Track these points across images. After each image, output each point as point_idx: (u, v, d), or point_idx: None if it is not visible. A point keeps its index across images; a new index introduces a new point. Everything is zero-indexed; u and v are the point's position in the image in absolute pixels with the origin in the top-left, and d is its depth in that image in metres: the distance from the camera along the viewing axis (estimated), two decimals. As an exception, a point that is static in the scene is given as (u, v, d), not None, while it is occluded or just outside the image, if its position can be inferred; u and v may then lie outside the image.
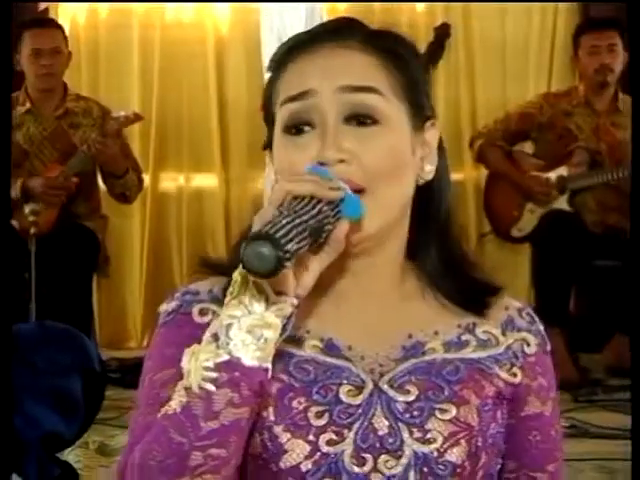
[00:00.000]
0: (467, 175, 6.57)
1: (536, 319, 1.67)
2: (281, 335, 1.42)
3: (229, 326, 1.40)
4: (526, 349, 1.63)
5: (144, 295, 6.82)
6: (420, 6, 6.77)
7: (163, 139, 6.92)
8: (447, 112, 6.62)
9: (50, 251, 5.38)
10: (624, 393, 5.50)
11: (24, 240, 5.31)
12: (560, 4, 6.85)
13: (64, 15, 6.77)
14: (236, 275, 1.42)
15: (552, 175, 5.89)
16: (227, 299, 1.43)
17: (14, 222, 5.54)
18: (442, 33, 5.38)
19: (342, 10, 6.45)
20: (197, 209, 6.94)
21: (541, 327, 1.67)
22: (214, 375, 1.40)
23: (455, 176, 6.47)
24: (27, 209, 5.36)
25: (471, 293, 1.64)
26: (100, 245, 5.86)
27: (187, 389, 1.41)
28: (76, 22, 6.76)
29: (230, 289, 1.43)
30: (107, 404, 4.68)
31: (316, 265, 1.43)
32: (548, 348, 1.66)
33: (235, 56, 6.88)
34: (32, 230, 5.28)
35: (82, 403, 2.21)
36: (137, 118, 5.93)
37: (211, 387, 1.40)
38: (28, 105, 5.84)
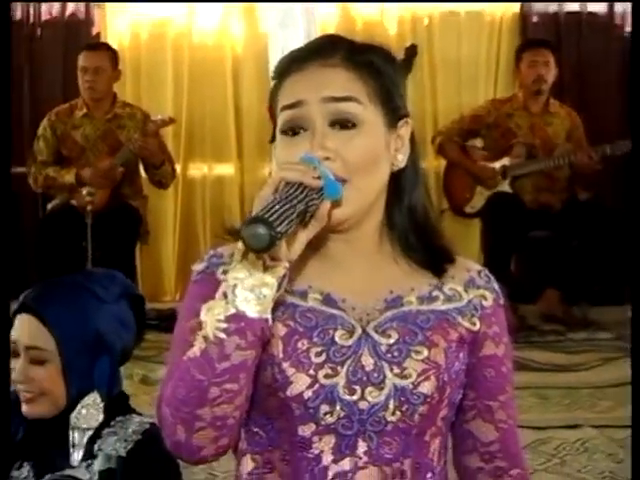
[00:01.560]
0: (429, 165, 6.53)
1: (492, 279, 1.66)
2: (277, 291, 1.43)
3: (235, 286, 1.41)
4: (484, 303, 1.63)
5: (177, 259, 6.81)
6: (393, 31, 6.77)
7: (191, 137, 6.89)
8: (414, 114, 6.28)
9: (103, 224, 5.38)
10: (554, 336, 5.52)
11: (82, 215, 5.32)
12: (503, 28, 6.84)
13: (112, 39, 6.71)
14: (240, 245, 1.42)
15: (497, 164, 5.89)
16: (232, 264, 1.44)
17: (73, 201, 5.56)
18: (411, 53, 5.35)
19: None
20: (218, 192, 6.92)
21: (496, 285, 1.65)
22: (225, 325, 1.41)
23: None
24: (84, 191, 5.38)
25: (434, 259, 1.62)
26: (142, 219, 5.87)
27: (204, 337, 1.42)
28: (122, 45, 6.70)
29: (235, 256, 1.44)
30: (148, 345, 4.69)
31: (304, 236, 1.44)
32: (501, 302, 1.65)
33: (248, 72, 6.85)
34: (89, 207, 5.32)
35: (134, 321, 2.24)
36: (171, 121, 5.93)
37: (223, 335, 1.41)
38: (85, 110, 5.82)
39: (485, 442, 1.66)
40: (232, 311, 1.41)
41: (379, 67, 1.58)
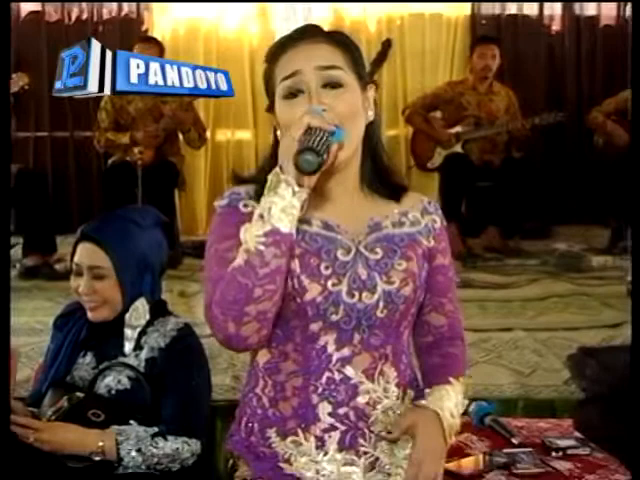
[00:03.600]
0: (400, 131, 6.51)
1: (438, 207, 1.71)
2: (301, 212, 1.46)
3: (270, 208, 1.43)
4: (434, 225, 1.67)
5: (207, 203, 6.76)
6: (373, 28, 6.67)
7: (218, 109, 6.82)
8: (389, 93, 6.49)
9: (150, 175, 5.31)
10: (494, 262, 5.51)
11: (134, 169, 5.28)
12: (458, 27, 6.78)
13: (157, 33, 6.62)
14: (271, 176, 1.44)
15: (452, 131, 5.85)
16: (266, 191, 1.45)
17: (127, 158, 5.51)
18: (387, 45, 5.31)
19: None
20: (238, 152, 6.86)
21: (440, 212, 1.70)
22: (263, 239, 1.42)
23: (393, 132, 6.51)
24: (136, 150, 5.34)
25: (392, 189, 1.66)
26: (180, 172, 5.80)
27: (246, 250, 1.43)
28: (164, 38, 6.58)
29: (268, 184, 1.45)
30: (185, 267, 4.70)
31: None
32: (444, 224, 1.70)
33: (261, 59, 6.67)
34: (139, 162, 5.26)
35: (167, 243, 2.26)
36: (200, 95, 5.87)
37: (262, 247, 1.42)
38: (137, 88, 5.74)
39: (437, 326, 1.70)
40: (269, 227, 1.43)
41: (350, 45, 1.61)
